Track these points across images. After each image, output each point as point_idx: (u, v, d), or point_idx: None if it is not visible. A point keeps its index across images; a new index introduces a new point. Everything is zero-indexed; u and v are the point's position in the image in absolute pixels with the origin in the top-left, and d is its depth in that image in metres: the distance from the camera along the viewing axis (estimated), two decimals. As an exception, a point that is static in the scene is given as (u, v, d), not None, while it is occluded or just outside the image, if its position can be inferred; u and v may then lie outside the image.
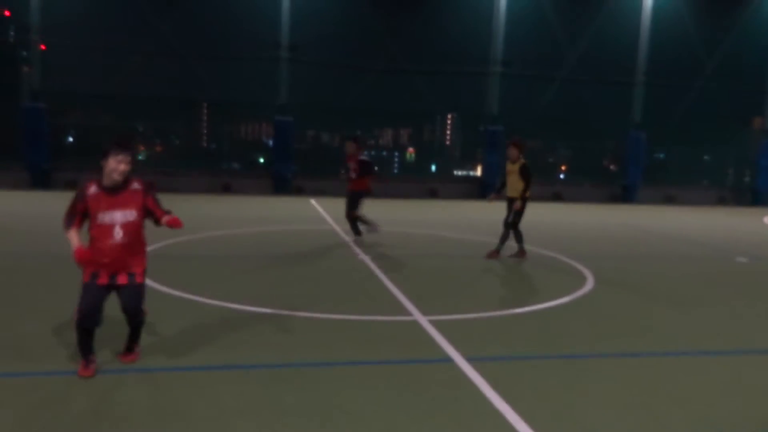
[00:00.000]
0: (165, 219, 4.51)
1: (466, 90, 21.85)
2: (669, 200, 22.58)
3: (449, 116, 23.52)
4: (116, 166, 4.32)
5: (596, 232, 13.67)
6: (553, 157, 24.24)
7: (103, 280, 4.41)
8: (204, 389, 4.35)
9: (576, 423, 4.08)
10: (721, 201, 23.12)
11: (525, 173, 9.35)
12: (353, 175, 10.64)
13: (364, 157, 11.27)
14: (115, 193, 4.39)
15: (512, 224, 9.61)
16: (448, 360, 5.13)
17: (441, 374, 4.82)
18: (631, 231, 14.20)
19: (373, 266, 8.80)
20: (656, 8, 21.73)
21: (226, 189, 19.84)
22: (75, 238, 4.37)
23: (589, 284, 8.22)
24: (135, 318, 4.63)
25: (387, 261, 9.21)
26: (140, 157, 21.92)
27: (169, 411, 3.99)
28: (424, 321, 6.18)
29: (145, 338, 5.24)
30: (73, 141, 21.33)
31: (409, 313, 6.46)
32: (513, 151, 9.46)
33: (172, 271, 8.04)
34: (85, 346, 4.46)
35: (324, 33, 19.92)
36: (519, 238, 9.76)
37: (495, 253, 9.82)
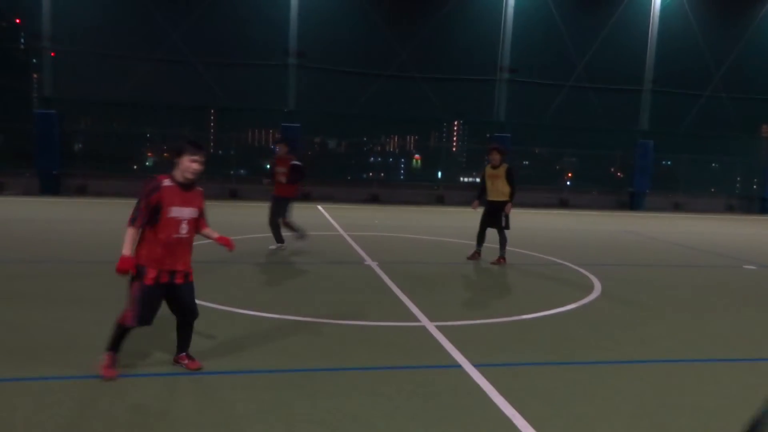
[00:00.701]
0: (216, 235, 4.87)
1: (473, 97, 21.88)
2: (677, 208, 22.52)
3: (456, 123, 23.57)
4: (189, 165, 4.52)
5: (603, 240, 13.65)
6: (560, 164, 24.24)
7: (165, 278, 4.54)
8: (214, 394, 4.38)
9: (584, 428, 4.08)
10: (729, 209, 23.04)
11: (511, 176, 9.63)
12: (282, 179, 10.02)
13: (295, 161, 10.17)
14: (186, 190, 4.59)
15: (506, 228, 9.76)
16: (457, 366, 5.14)
17: (449, 380, 4.84)
18: (638, 238, 14.17)
19: (380, 272, 8.82)
20: (664, 17, 21.74)
21: (234, 195, 19.94)
22: (130, 243, 4.41)
23: (597, 291, 8.21)
24: (193, 317, 4.80)
25: (394, 267, 9.23)
26: (148, 164, 22.06)
27: (178, 416, 4.02)
28: (432, 327, 6.19)
29: (153, 343, 5.28)
30: (82, 147, 21.48)
31: (417, 320, 6.47)
32: (496, 156, 9.69)
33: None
34: (120, 344, 4.56)
35: (332, 39, 20.04)
36: (504, 243, 9.87)
37: (501, 260, 9.87)
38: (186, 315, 4.76)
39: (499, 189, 9.69)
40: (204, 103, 20.53)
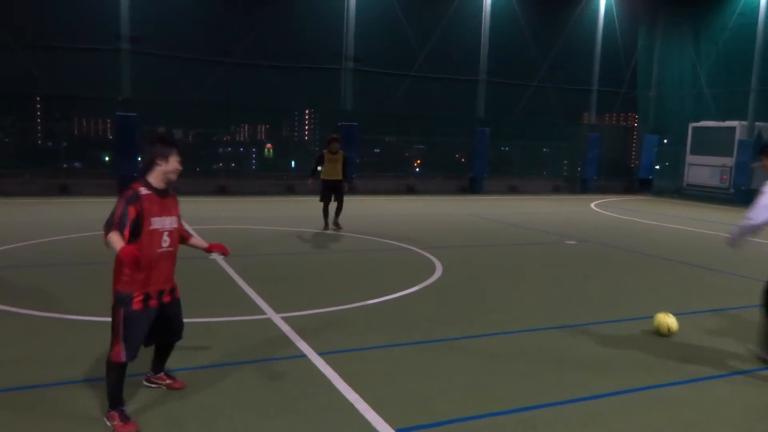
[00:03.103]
0: (206, 244, 4.51)
1: (321, 86, 21.90)
2: (512, 190, 24.30)
3: (307, 112, 23.48)
4: (177, 166, 4.03)
5: (446, 223, 14.39)
6: (409, 151, 25.07)
7: (154, 301, 3.98)
8: (53, 407, 4.05)
9: (423, 407, 4.32)
10: (557, 190, 25.31)
11: (346, 161, 12.15)
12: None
13: None
14: (164, 196, 4.03)
15: (342, 200, 12.11)
16: (302, 356, 5.19)
17: (295, 371, 4.88)
18: (477, 220, 15.12)
19: (224, 265, 8.62)
20: (495, 11, 23.21)
21: (64, 190, 18.34)
22: (118, 238, 3.71)
23: (438, 272, 8.67)
24: (179, 337, 4.35)
25: (239, 260, 9.06)
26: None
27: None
28: (277, 318, 6.19)
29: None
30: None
31: (262, 312, 6.43)
32: (335, 145, 12.06)
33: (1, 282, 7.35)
34: (121, 391, 3.89)
35: (170, 24, 18.97)
36: (340, 212, 12.20)
37: (336, 225, 12.09)
38: (173, 335, 4.30)
39: (337, 170, 11.93)
40: (27, 91, 18.60)
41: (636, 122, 27.46)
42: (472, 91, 23.62)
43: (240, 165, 22.48)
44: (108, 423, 3.83)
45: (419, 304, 7.07)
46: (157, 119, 20.23)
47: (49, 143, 20.34)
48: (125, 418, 3.83)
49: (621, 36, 25.30)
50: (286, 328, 5.91)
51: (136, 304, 3.88)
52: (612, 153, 26.12)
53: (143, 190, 3.91)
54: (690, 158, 22.95)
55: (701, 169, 22.53)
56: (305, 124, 24.06)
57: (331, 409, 4.23)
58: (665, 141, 25.20)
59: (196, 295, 7.08)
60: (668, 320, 6.05)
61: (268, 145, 24.72)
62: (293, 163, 22.50)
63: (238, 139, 23.81)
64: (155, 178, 4.01)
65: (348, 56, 21.42)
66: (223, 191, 20.04)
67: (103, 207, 11.69)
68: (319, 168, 12.15)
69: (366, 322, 6.29)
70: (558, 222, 15.12)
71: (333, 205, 12.17)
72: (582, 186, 25.22)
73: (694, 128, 22.77)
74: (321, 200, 12.11)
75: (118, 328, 3.85)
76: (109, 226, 3.76)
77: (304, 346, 5.39)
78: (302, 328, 5.89)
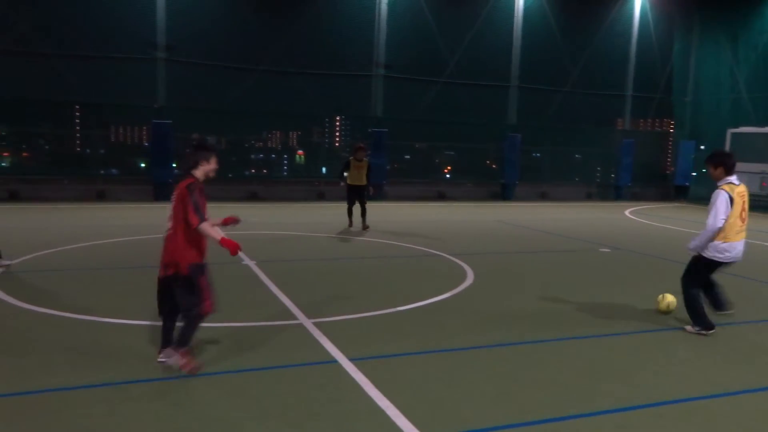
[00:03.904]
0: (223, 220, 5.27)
1: (351, 93, 22.02)
2: (543, 197, 24.04)
3: (337, 119, 23.62)
4: (215, 165, 4.97)
5: (477, 230, 14.29)
6: (439, 158, 25.03)
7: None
8: (65, 413, 4.12)
9: (453, 414, 4.28)
10: (589, 197, 24.94)
11: (370, 168, 13.10)
12: None
13: None
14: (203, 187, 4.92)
15: (365, 204, 13.13)
16: (333, 362, 5.19)
17: (325, 376, 4.88)
18: (508, 227, 14.98)
19: (257, 271, 8.69)
20: (527, 17, 23.04)
21: (101, 197, 18.74)
22: (210, 226, 4.74)
23: (469, 279, 8.60)
24: None
25: (270, 265, 9.13)
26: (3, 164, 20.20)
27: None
28: (309, 324, 6.21)
29: (2, 359, 4.89)
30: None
31: (294, 318, 6.46)
32: (361, 153, 13.01)
33: (32, 285, 7.53)
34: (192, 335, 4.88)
35: (202, 33, 19.32)
36: (365, 214, 13.12)
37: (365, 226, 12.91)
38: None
39: (362, 176, 12.90)
40: (65, 99, 19.09)
41: (672, 128, 26.94)
42: (503, 97, 23.47)
43: (271, 171, 22.71)
44: (171, 361, 4.77)
45: (450, 311, 7.02)
46: (190, 126, 20.57)
47: (87, 150, 20.83)
48: (193, 356, 4.84)
49: (656, 40, 24.88)
50: (317, 333, 5.92)
51: (207, 272, 4.90)
52: (647, 159, 25.64)
53: (198, 182, 4.83)
54: (728, 165, 22.40)
55: (740, 176, 21.93)
56: (335, 131, 24.20)
57: (362, 415, 4.22)
58: (702, 147, 24.65)
59: (228, 299, 7.15)
60: (667, 299, 6.98)
61: (300, 152, 24.95)
62: (324, 169, 22.63)
63: (269, 145, 24.07)
64: (200, 173, 4.89)
65: (378, 63, 21.50)
66: (254, 197, 20.25)
67: (139, 213, 11.87)
68: (345, 173, 13.17)
69: (397, 328, 6.27)
70: (591, 229, 14.89)
71: (357, 209, 13.14)
72: (615, 193, 24.82)
73: (733, 134, 22.22)
74: (347, 203, 13.29)
75: (206, 289, 4.83)
76: (201, 216, 4.65)
77: (335, 352, 5.39)
78: (334, 333, 5.90)
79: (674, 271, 9.94)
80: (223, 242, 4.67)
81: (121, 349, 5.32)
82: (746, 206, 6.41)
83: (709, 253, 6.20)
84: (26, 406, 4.19)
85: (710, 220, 6.06)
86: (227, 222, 5.17)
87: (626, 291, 8.35)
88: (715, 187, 6.32)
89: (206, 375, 4.79)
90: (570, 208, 21.02)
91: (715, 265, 6.28)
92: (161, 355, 4.89)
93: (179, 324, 4.90)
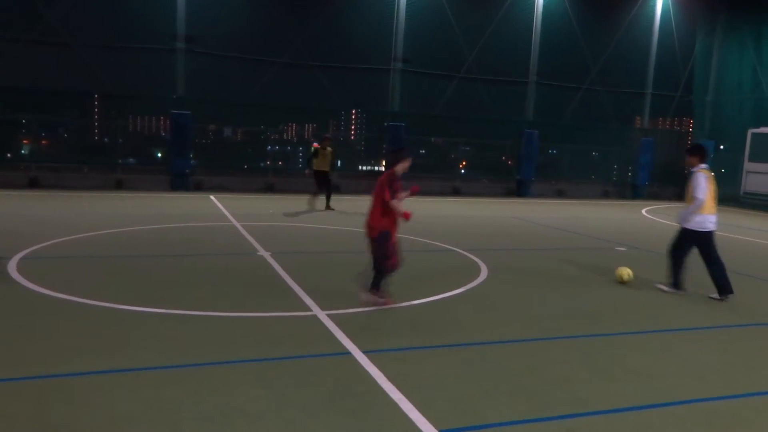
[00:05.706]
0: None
1: (368, 87, 22.01)
2: (560, 194, 23.91)
3: (354, 112, 23.64)
4: (408, 164, 6.69)
5: (492, 226, 14.26)
6: (455, 153, 24.98)
7: (395, 238, 6.62)
8: (92, 396, 4.19)
9: (467, 409, 4.30)
10: (605, 195, 24.77)
11: (334, 155, 15.30)
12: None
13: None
14: (400, 179, 6.61)
15: (330, 187, 15.34)
16: (347, 353, 5.23)
17: (339, 368, 4.92)
18: (523, 223, 14.93)
19: (272, 262, 8.75)
20: (546, 13, 22.88)
21: (119, 185, 18.94)
22: (396, 203, 6.43)
23: (483, 275, 8.60)
24: None
25: (285, 257, 9.19)
26: (23, 152, 20.48)
27: (53, 423, 3.82)
28: (323, 316, 6.25)
29: (26, 345, 4.98)
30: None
31: (308, 309, 6.50)
32: (326, 142, 15.21)
33: (52, 271, 7.64)
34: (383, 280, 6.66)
35: (223, 24, 19.45)
36: (330, 195, 15.47)
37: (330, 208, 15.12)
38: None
39: (328, 163, 15.05)
40: (86, 89, 19.30)
41: (691, 127, 26.64)
42: (521, 93, 23.34)
43: (287, 163, 22.80)
44: (365, 297, 6.65)
45: (464, 306, 7.03)
46: (209, 117, 20.72)
47: (106, 139, 21.05)
48: (385, 293, 6.67)
49: (678, 39, 24.59)
50: (331, 325, 5.96)
51: (394, 239, 6.59)
52: (665, 158, 25.39)
53: (397, 176, 6.54)
54: (748, 165, 22.13)
55: (760, 177, 21.69)
56: (351, 124, 24.22)
57: (375, 407, 4.25)
58: (722, 147, 24.36)
59: (244, 290, 7.23)
60: (626, 270, 8.40)
61: (315, 144, 25.03)
62: (339, 162, 22.66)
63: (285, 137, 24.15)
64: (399, 169, 6.62)
65: (397, 57, 21.47)
66: (270, 189, 20.34)
67: (156, 202, 11.92)
68: (313, 160, 15.13)
69: (411, 322, 6.29)
70: (607, 228, 14.79)
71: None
72: (633, 191, 24.63)
73: (754, 134, 21.93)
74: (316, 187, 15.33)
75: (393, 248, 6.55)
76: (392, 195, 6.39)
77: (348, 344, 5.43)
78: (348, 326, 5.93)
79: (690, 271, 9.86)
80: (404, 214, 6.41)
81: (140, 336, 5.40)
82: (715, 187, 7.76)
83: (691, 226, 7.65)
84: (49, 389, 4.27)
85: (700, 195, 7.48)
86: (414, 191, 6.70)
87: (642, 290, 8.29)
88: (690, 174, 7.81)
89: (223, 363, 4.84)
90: (586, 206, 20.88)
91: (697, 234, 7.66)
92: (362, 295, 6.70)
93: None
